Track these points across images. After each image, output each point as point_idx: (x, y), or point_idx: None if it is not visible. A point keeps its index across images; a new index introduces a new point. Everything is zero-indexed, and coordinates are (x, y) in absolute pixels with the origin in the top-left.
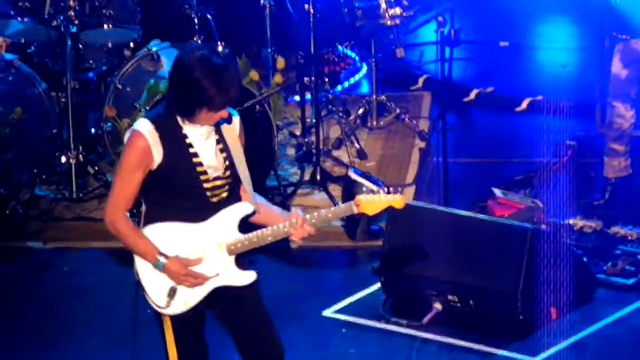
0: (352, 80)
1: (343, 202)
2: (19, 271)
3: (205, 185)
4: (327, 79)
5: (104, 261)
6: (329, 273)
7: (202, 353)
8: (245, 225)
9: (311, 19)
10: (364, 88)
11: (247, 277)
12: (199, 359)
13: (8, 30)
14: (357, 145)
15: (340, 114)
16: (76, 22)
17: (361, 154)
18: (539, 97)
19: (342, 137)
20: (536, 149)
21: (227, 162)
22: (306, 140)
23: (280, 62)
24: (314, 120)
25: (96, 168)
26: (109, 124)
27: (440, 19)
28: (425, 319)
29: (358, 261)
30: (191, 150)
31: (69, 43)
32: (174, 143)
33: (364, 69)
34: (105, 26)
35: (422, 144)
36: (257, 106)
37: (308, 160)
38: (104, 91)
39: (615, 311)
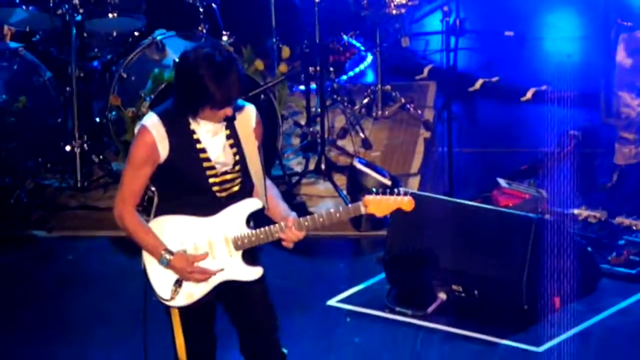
0: (357, 70)
1: (348, 192)
2: (24, 260)
3: (214, 179)
4: (332, 69)
5: (109, 250)
6: (333, 263)
7: (211, 344)
8: (257, 219)
9: (316, 8)
10: (369, 77)
11: (253, 273)
12: (207, 350)
13: (13, 19)
14: (362, 134)
15: (345, 104)
16: (81, 10)
17: (366, 144)
18: (544, 87)
19: (347, 127)
20: (541, 139)
21: (237, 157)
22: (311, 129)
23: (285, 52)
24: (319, 110)
25: (101, 157)
26: (114, 112)
27: (445, 8)
28: (430, 309)
29: (363, 251)
30: (199, 146)
31: (74, 32)
32: (181, 138)
33: (369, 58)
34: (110, 15)
35: (427, 134)
36: (262, 95)
37: (313, 150)
38: (109, 80)
39: (619, 301)
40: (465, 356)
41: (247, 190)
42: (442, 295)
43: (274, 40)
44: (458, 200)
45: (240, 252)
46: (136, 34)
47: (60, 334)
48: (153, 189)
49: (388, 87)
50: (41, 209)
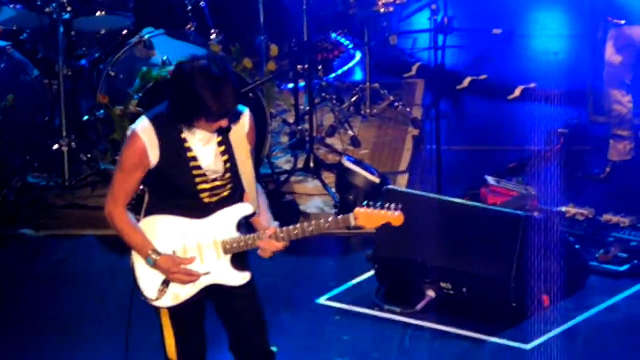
0: (345, 68)
1: (336, 190)
2: (11, 258)
3: (203, 186)
4: (320, 67)
5: (96, 248)
6: (322, 260)
7: (201, 343)
8: (246, 225)
9: (304, 7)
10: (357, 75)
11: (240, 277)
12: (198, 350)
13: (0, 17)
14: (350, 132)
15: (334, 102)
16: (69, 9)
17: (354, 142)
18: (532, 85)
19: (335, 125)
20: (529, 137)
21: (227, 165)
22: (299, 127)
23: (274, 50)
24: (307, 108)
25: (89, 155)
26: (102, 111)
27: (433, 6)
28: (419, 306)
29: (351, 249)
30: (189, 154)
31: (62, 30)
32: (172, 145)
33: (358, 56)
34: (98, 13)
35: (416, 132)
36: (250, 94)
37: (301, 148)
38: (97, 78)
39: (607, 298)
40: (454, 353)
41: (237, 195)
42: (431, 293)
43: (262, 38)
44: (446, 198)
45: (228, 256)
46: (124, 32)
47: (48, 332)
48: (142, 187)
49: (376, 84)
50: (29, 207)
